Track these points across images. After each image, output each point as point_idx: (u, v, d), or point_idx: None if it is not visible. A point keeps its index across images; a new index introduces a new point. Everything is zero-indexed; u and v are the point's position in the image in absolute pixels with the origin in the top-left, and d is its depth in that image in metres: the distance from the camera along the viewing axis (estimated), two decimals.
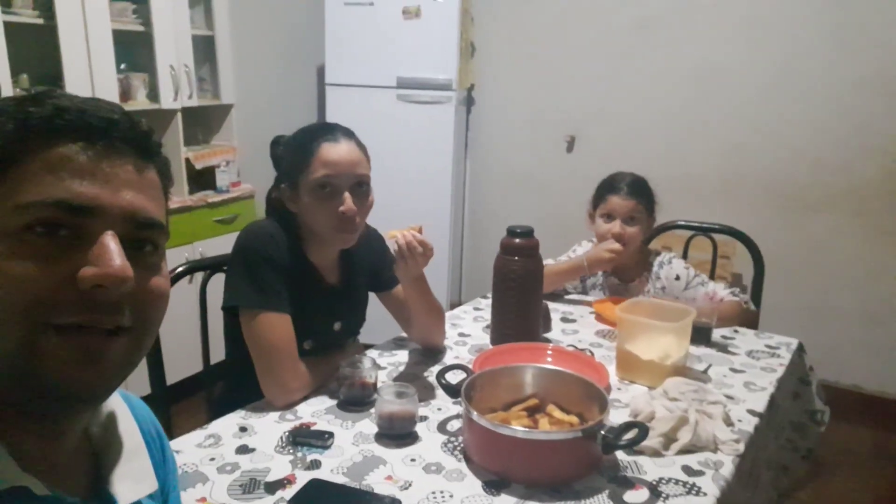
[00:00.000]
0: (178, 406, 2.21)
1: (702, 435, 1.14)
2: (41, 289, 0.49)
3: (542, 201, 3.55)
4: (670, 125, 3.14)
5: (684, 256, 2.21)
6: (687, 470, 1.08)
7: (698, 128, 3.08)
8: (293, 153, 1.34)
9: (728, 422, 1.23)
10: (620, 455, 1.10)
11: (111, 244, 0.51)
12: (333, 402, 1.29)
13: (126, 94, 2.61)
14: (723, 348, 1.63)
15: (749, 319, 1.81)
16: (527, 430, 1.03)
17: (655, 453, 1.12)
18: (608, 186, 1.90)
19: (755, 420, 1.26)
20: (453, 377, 1.24)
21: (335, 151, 1.30)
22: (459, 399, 1.23)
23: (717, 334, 1.68)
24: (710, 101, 3.03)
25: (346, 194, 1.30)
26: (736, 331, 1.75)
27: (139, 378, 1.60)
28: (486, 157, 3.75)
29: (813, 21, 2.74)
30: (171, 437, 1.43)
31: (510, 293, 1.52)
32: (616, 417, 1.23)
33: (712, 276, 2.23)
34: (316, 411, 1.26)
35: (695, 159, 3.09)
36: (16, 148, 0.50)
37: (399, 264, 1.33)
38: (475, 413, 1.04)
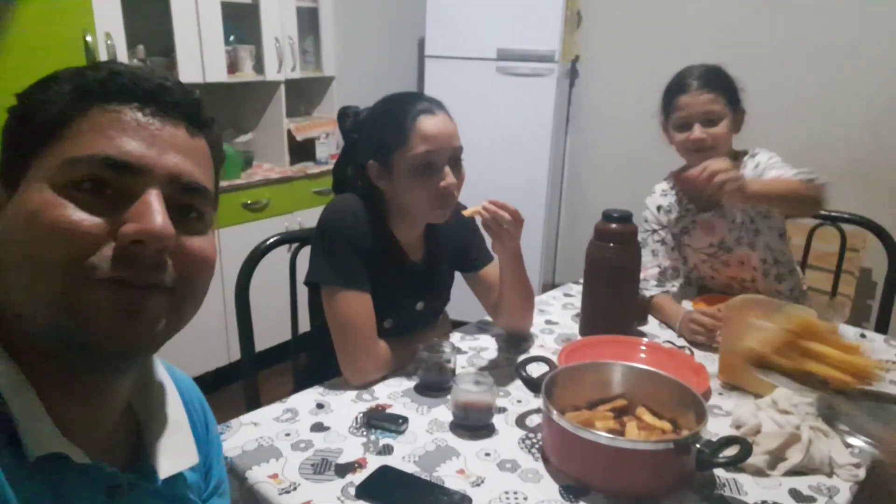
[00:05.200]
0: (268, 371, 2.28)
1: (815, 456, 1.00)
2: (84, 242, 0.49)
3: (646, 186, 3.34)
4: (796, 103, 2.84)
5: (807, 248, 2.00)
6: (795, 495, 0.96)
7: (828, 106, 2.77)
8: (384, 128, 1.28)
9: (847, 442, 1.08)
10: (718, 470, 0.99)
11: (154, 201, 0.51)
12: (411, 385, 1.26)
13: (233, 65, 2.69)
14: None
15: (817, 196, 1.44)
16: (612, 436, 0.94)
17: (759, 472, 1.00)
18: (676, 86, 1.58)
19: None
20: (535, 369, 1.17)
21: (433, 125, 1.24)
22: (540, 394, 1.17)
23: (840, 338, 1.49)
24: (842, 77, 2.71)
25: (447, 169, 1.25)
26: (863, 335, 1.56)
27: (233, 344, 1.65)
28: (588, 135, 3.58)
29: None
30: (258, 403, 1.48)
31: (603, 282, 1.42)
32: (715, 427, 1.12)
33: (839, 271, 2.00)
34: (393, 393, 1.23)
35: (824, 141, 2.78)
36: (72, 108, 0.53)
37: (494, 241, 1.28)
38: (556, 412, 0.97)
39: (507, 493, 0.95)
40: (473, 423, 1.10)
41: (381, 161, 1.28)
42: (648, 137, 3.40)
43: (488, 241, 1.47)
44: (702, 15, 3.05)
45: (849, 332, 1.55)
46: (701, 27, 3.07)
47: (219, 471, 0.74)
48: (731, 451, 0.92)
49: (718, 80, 1.55)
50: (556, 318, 1.62)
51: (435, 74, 3.30)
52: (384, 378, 1.28)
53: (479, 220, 1.29)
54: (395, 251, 1.36)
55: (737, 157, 1.61)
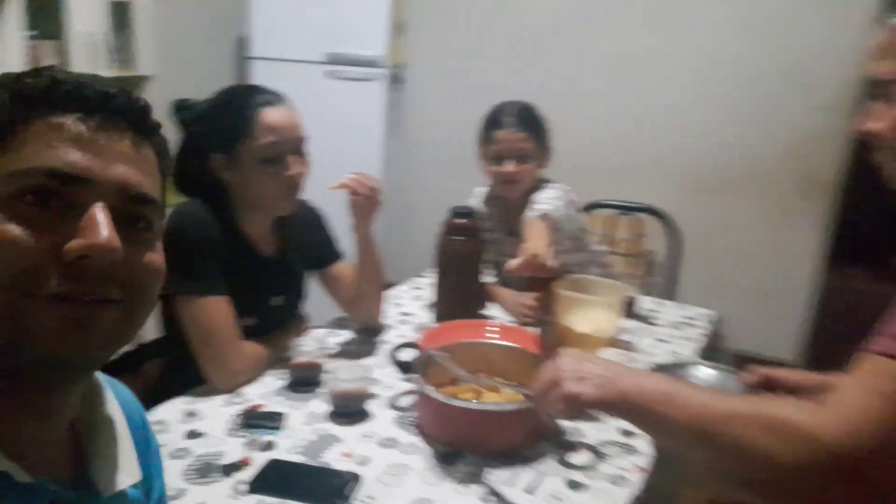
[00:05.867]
0: None
1: None
2: (28, 258, 0.48)
3: (471, 188, 3.60)
4: (599, 110, 3.24)
5: (606, 235, 2.34)
6: (624, 432, 1.17)
7: (622, 113, 3.20)
8: (227, 120, 1.29)
9: None
10: (562, 423, 1.17)
11: (99, 215, 0.50)
12: (281, 384, 1.29)
13: (35, 63, 2.42)
14: (647, 320, 1.75)
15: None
16: (479, 402, 1.08)
17: (593, 418, 1.20)
18: (492, 122, 1.73)
19: None
20: (403, 355, 1.27)
21: (277, 115, 1.29)
22: (409, 376, 1.28)
23: (641, 307, 1.80)
24: (634, 89, 3.16)
25: (293, 158, 1.30)
26: (661, 303, 1.88)
27: None
28: (417, 138, 3.76)
29: (726, 15, 2.91)
30: None
31: (454, 272, 1.56)
32: None
33: (630, 254, 2.37)
34: (264, 393, 1.26)
35: (617, 143, 3.22)
36: (11, 118, 0.50)
37: (359, 216, 1.39)
38: (430, 388, 1.08)
39: (391, 466, 1.04)
40: (352, 411, 1.17)
41: (225, 153, 1.30)
42: (471, 143, 3.66)
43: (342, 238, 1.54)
44: (521, 29, 3.35)
45: (645, 302, 1.87)
46: (519, 37, 3.37)
47: (160, 485, 0.73)
48: None
49: (531, 121, 1.73)
50: (410, 309, 1.74)
51: (261, 76, 3.24)
52: (251, 380, 1.29)
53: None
54: (246, 245, 1.37)
55: (537, 186, 1.75)
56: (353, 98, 3.29)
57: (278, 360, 1.34)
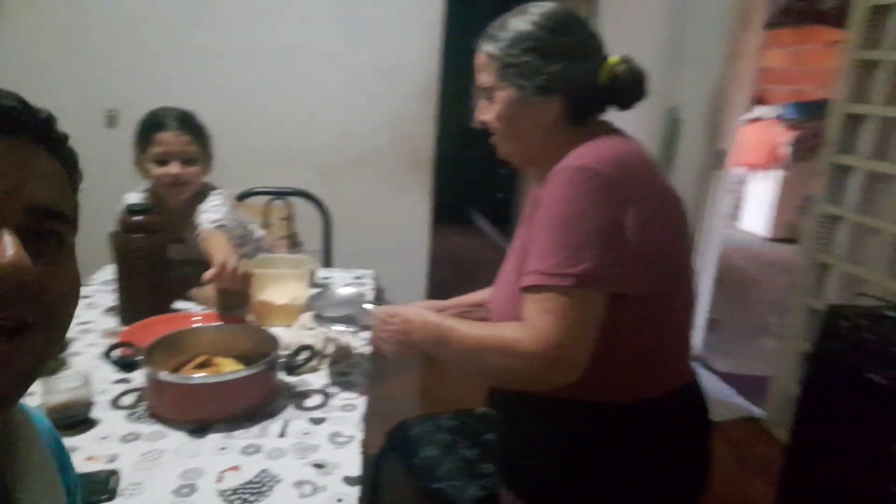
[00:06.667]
0: None
1: (343, 346, 1.47)
2: None
3: (85, 177, 3.26)
4: (226, 102, 3.29)
5: (265, 221, 2.51)
6: (341, 374, 1.40)
7: (251, 102, 3.34)
8: None
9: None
10: (291, 380, 1.34)
11: (4, 235, 0.48)
12: None
13: None
14: (326, 287, 2.00)
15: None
16: (219, 374, 1.17)
17: (313, 370, 1.40)
18: (153, 124, 1.74)
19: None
20: (117, 355, 1.25)
21: None
22: (127, 375, 1.27)
23: (318, 276, 2.04)
24: (263, 81, 3.32)
25: None
26: (331, 270, 2.15)
27: None
28: None
29: (330, 19, 3.30)
30: None
31: (139, 270, 1.53)
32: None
33: (291, 240, 2.59)
34: None
35: (251, 133, 3.35)
36: None
37: None
38: (166, 373, 1.13)
39: (143, 454, 1.06)
40: (76, 420, 1.12)
41: None
42: (74, 134, 3.30)
43: None
44: (125, 14, 3.15)
45: (320, 271, 2.12)
46: (127, 27, 3.16)
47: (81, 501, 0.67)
48: (304, 355, 1.28)
49: (193, 126, 1.78)
50: (86, 318, 1.62)
51: None
52: None
53: None
54: None
55: (203, 192, 1.84)
56: None
57: None
